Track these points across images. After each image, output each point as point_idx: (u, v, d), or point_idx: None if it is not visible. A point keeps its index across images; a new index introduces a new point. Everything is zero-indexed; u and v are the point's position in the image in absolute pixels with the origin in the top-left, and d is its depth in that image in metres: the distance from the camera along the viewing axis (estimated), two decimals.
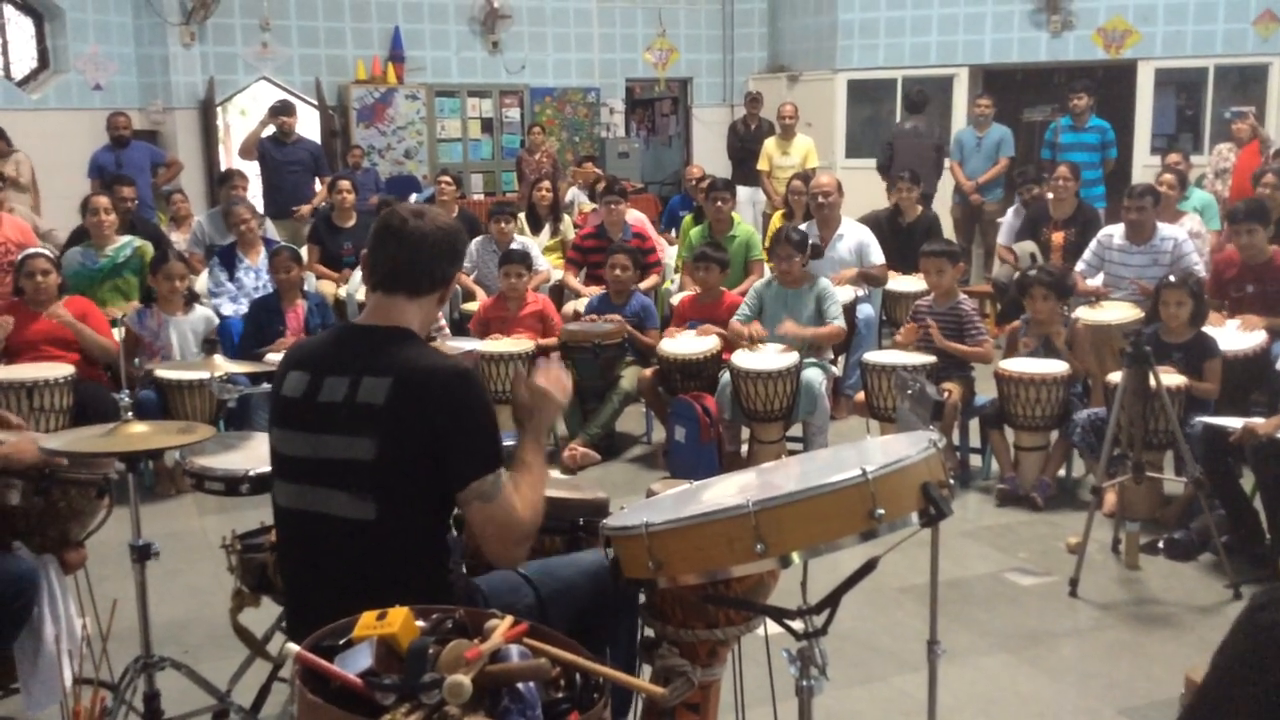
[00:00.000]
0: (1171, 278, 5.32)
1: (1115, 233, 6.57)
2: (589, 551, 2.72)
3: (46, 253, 6.11)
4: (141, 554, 3.13)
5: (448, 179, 9.10)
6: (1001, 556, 4.85)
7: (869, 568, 2.30)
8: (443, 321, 6.78)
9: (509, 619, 1.93)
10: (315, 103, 11.59)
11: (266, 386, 2.94)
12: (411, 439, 2.34)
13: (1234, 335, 5.54)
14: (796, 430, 6.09)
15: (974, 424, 5.86)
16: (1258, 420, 4.46)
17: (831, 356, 6.37)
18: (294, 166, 9.34)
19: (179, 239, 8.24)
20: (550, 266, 8.22)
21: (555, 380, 2.68)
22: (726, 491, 2.50)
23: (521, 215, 9.02)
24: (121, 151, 9.14)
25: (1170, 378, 4.87)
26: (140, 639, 3.16)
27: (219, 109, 11.32)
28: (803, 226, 7.25)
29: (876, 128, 12.61)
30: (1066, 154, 9.10)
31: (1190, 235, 6.78)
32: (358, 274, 7.65)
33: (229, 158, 11.18)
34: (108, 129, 9.27)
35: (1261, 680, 1.54)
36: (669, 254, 8.66)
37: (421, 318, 2.57)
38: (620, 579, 2.38)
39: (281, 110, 9.44)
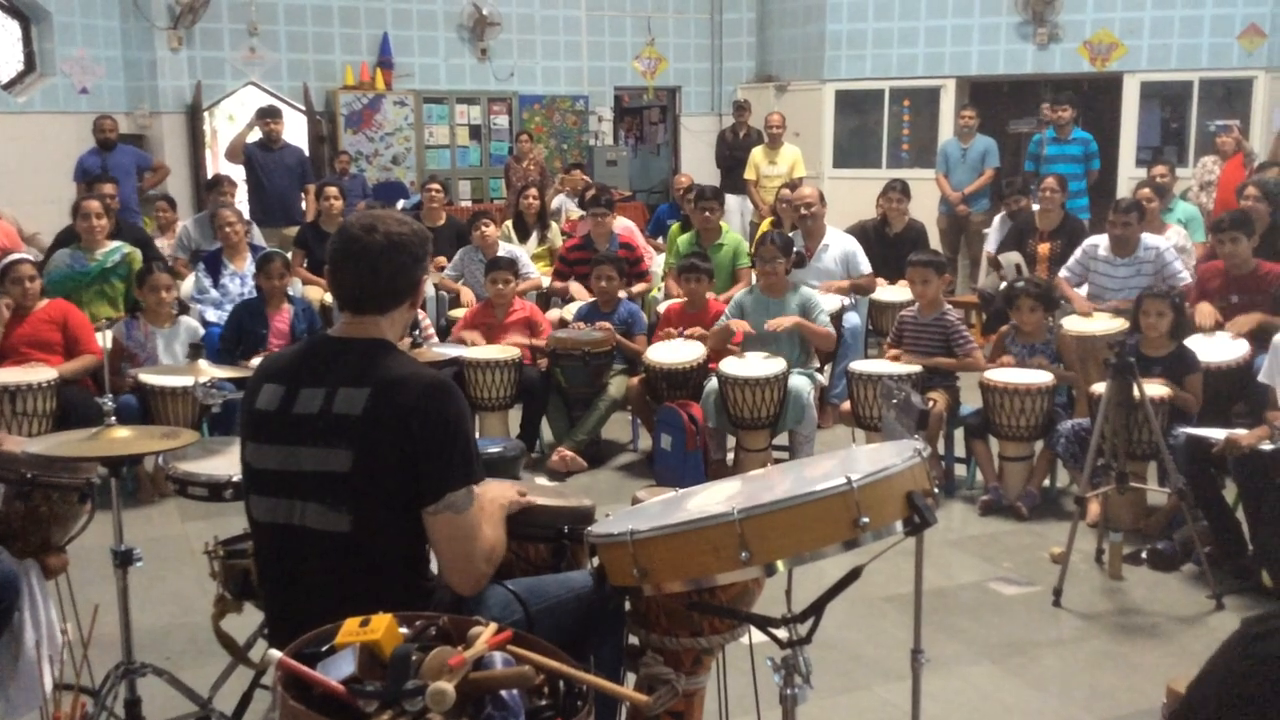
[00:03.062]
0: (1154, 288, 5.35)
1: (1100, 243, 6.60)
2: (578, 571, 2.71)
3: (30, 257, 6.08)
4: (123, 559, 3.12)
5: (436, 185, 9.09)
6: (986, 566, 4.86)
7: (853, 576, 2.30)
8: (430, 329, 6.76)
9: (493, 626, 1.92)
10: (303, 108, 11.57)
11: None
12: (388, 449, 2.33)
13: (1217, 347, 5.56)
14: (782, 439, 6.09)
15: (959, 434, 5.87)
16: (1240, 431, 4.49)
17: (818, 365, 6.37)
18: (281, 172, 9.32)
19: (164, 245, 8.20)
20: (539, 274, 8.23)
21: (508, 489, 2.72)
22: (712, 499, 2.50)
23: (509, 223, 9.02)
24: (107, 155, 9.11)
25: (1154, 388, 4.89)
26: (122, 645, 3.14)
27: (206, 114, 11.28)
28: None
29: (864, 138, 12.67)
30: (1050, 166, 9.15)
31: (1176, 249, 6.81)
32: None
33: (216, 163, 11.14)
34: (94, 132, 9.24)
35: (1259, 716, 1.51)
36: (657, 262, 8.66)
37: (396, 328, 2.56)
38: (605, 586, 2.38)
39: (268, 114, 9.42)
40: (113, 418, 3.27)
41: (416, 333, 5.59)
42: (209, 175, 10.13)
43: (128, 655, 3.14)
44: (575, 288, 7.57)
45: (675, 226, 8.80)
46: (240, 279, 7.17)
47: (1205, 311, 5.74)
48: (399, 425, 2.33)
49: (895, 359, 5.85)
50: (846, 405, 5.92)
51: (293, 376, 2.47)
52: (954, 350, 5.79)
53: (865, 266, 7.20)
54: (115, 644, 3.17)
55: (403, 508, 2.36)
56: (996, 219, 8.63)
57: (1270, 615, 1.58)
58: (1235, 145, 9.03)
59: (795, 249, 6.27)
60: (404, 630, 1.90)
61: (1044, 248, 7.51)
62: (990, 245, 8.44)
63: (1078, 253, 6.73)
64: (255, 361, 5.72)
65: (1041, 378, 5.49)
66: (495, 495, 2.59)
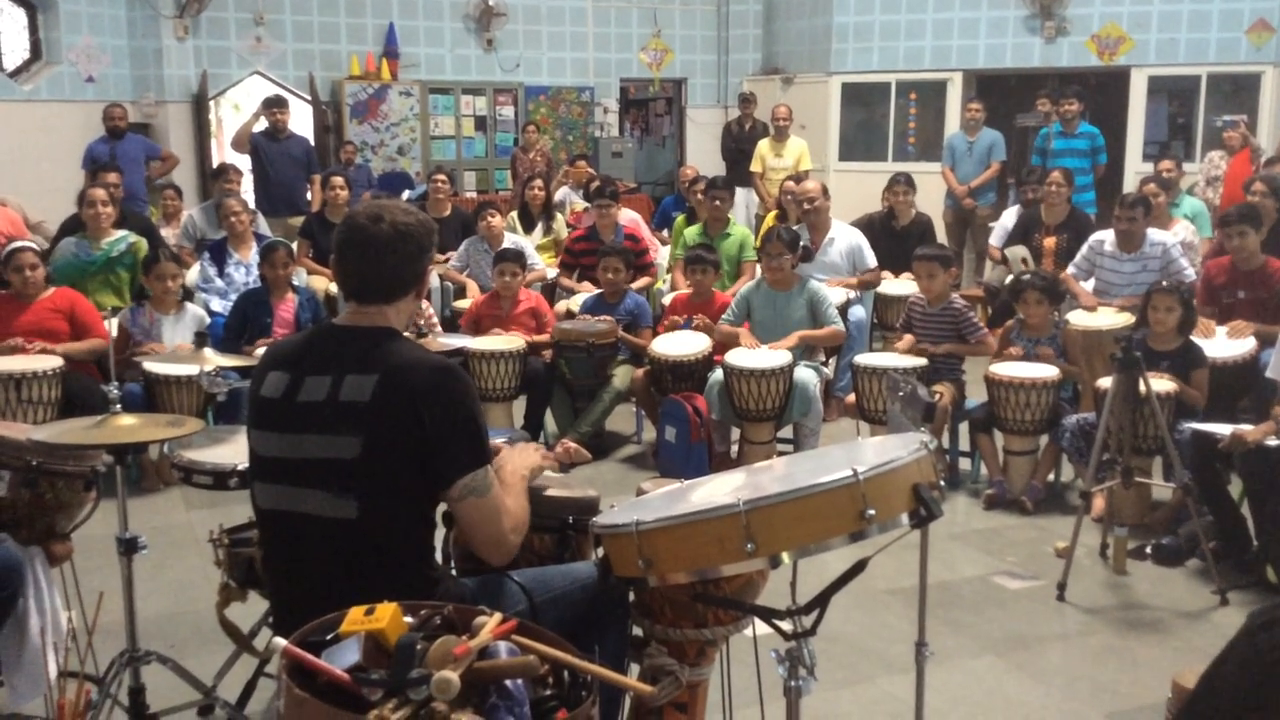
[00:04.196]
0: (1164, 283, 5.35)
1: (1106, 239, 6.58)
2: (582, 563, 2.72)
3: (33, 246, 6.08)
4: (128, 547, 3.12)
5: (442, 176, 9.09)
6: (990, 560, 4.85)
7: (858, 569, 2.30)
8: (435, 319, 6.76)
9: (498, 615, 1.92)
10: (308, 98, 11.57)
11: None
12: (397, 435, 2.33)
13: (1223, 343, 5.56)
14: (787, 432, 6.09)
15: (964, 427, 5.87)
16: (1246, 427, 4.48)
17: (823, 358, 6.36)
18: (287, 162, 9.32)
19: (169, 234, 8.20)
20: (545, 265, 8.22)
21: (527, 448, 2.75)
22: (717, 491, 2.49)
23: (514, 214, 9.01)
24: (117, 143, 9.11)
25: (1160, 384, 4.88)
26: (126, 632, 3.15)
27: (211, 103, 11.28)
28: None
29: (870, 131, 12.65)
30: (1057, 160, 9.12)
31: (1183, 244, 6.79)
32: None
33: (221, 152, 11.14)
34: (104, 120, 9.24)
35: (1263, 706, 1.52)
36: (662, 254, 8.66)
37: (401, 318, 2.57)
38: (610, 577, 2.38)
39: (274, 104, 9.42)
40: (118, 405, 3.27)
41: (421, 322, 5.59)
42: (214, 164, 10.13)
43: (132, 643, 3.14)
44: (585, 287, 7.55)
45: (680, 219, 8.79)
46: (245, 268, 7.16)
47: (1205, 326, 5.72)
48: (408, 410, 2.33)
49: (911, 345, 5.82)
50: (851, 398, 5.91)
51: (297, 364, 2.47)
52: (965, 337, 5.78)
53: (871, 260, 7.18)
54: (120, 632, 3.18)
55: (410, 495, 2.36)
56: (1007, 213, 8.60)
57: (1275, 606, 1.58)
58: (1242, 140, 9.01)
59: (802, 244, 6.25)
60: (409, 619, 1.90)
61: (1050, 241, 7.50)
62: (994, 239, 8.42)
63: (1084, 248, 6.72)
64: (260, 351, 5.73)
65: (1047, 372, 5.48)
66: (516, 466, 2.63)
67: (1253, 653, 1.54)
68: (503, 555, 2.47)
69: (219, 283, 7.14)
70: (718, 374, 5.85)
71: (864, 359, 5.88)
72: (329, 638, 1.86)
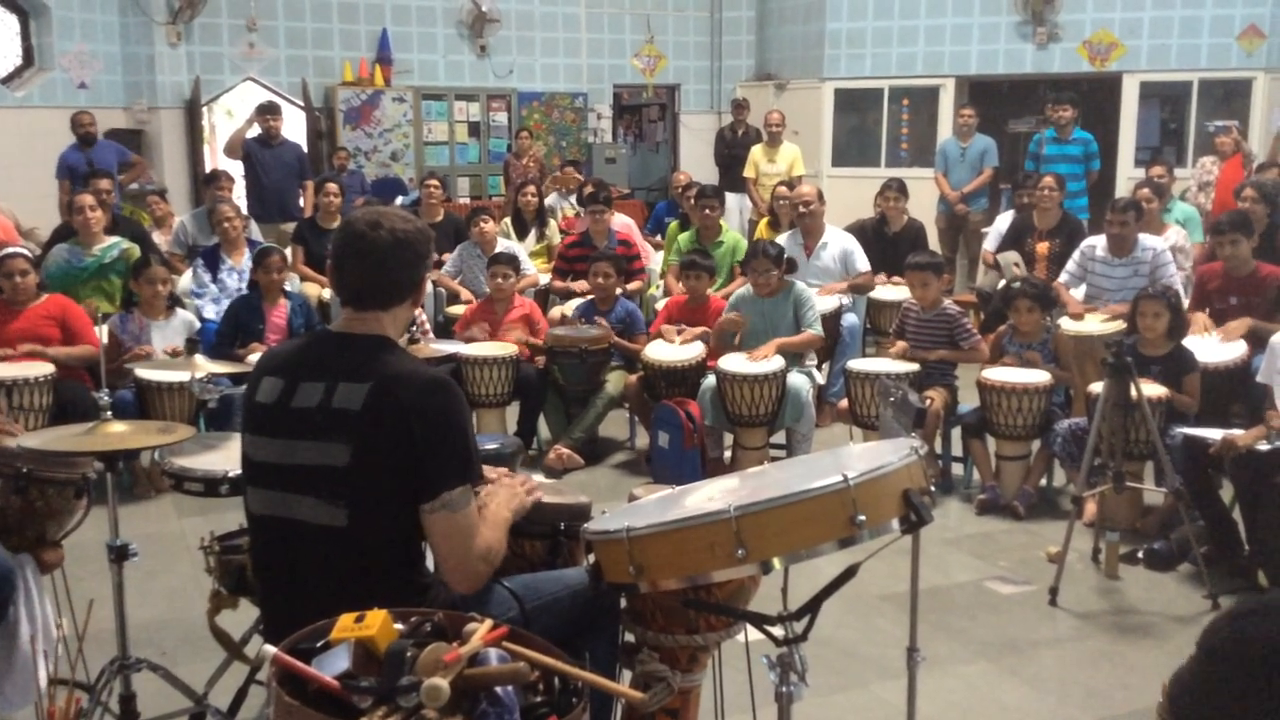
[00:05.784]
0: (1150, 289, 5.36)
1: (1098, 244, 6.59)
2: (574, 569, 2.71)
3: (24, 252, 6.06)
4: (119, 554, 3.11)
5: (435, 182, 9.09)
6: (982, 565, 4.86)
7: (850, 574, 2.30)
8: (427, 325, 6.76)
9: (488, 622, 1.92)
10: (301, 104, 11.57)
11: None
12: (386, 445, 2.33)
13: (1215, 347, 5.57)
14: (779, 438, 6.09)
15: (956, 432, 5.88)
16: (1237, 432, 4.49)
17: (815, 363, 6.37)
18: (280, 168, 9.31)
19: (160, 239, 8.19)
20: (537, 271, 8.22)
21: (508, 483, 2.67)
22: (709, 496, 2.49)
23: (507, 220, 9.01)
24: (89, 150, 9.07)
25: (1151, 388, 4.89)
26: (117, 640, 3.14)
27: (204, 109, 11.27)
28: (784, 236, 7.28)
29: (863, 136, 12.67)
30: (1050, 165, 9.14)
31: (1174, 249, 6.81)
32: None
33: (214, 158, 11.13)
34: (73, 128, 9.17)
35: (1244, 693, 1.53)
36: (655, 259, 8.66)
37: (398, 325, 2.57)
38: (601, 583, 2.38)
39: (267, 111, 9.41)
40: (109, 412, 3.26)
41: (414, 328, 5.59)
42: (207, 170, 10.12)
43: (123, 650, 3.13)
44: (579, 286, 7.56)
45: (674, 225, 8.80)
46: (238, 274, 7.15)
47: (1199, 322, 5.74)
48: (398, 422, 2.32)
49: (904, 350, 5.83)
50: (844, 404, 5.92)
51: (292, 370, 2.48)
52: (958, 343, 5.79)
53: (863, 264, 7.19)
54: (110, 639, 3.17)
55: (399, 503, 2.36)
56: (1001, 217, 8.61)
57: (1254, 599, 1.60)
58: (1234, 146, 9.03)
59: (787, 256, 6.24)
60: (399, 626, 1.90)
61: (1042, 247, 7.51)
62: (989, 244, 8.44)
63: (1076, 254, 6.73)
64: (253, 357, 5.72)
65: (1039, 377, 5.49)
66: (502, 503, 2.56)
67: (1227, 638, 1.55)
68: (467, 578, 2.38)
69: (212, 288, 7.13)
70: (711, 379, 5.85)
71: (856, 364, 5.90)
72: (319, 645, 1.86)
